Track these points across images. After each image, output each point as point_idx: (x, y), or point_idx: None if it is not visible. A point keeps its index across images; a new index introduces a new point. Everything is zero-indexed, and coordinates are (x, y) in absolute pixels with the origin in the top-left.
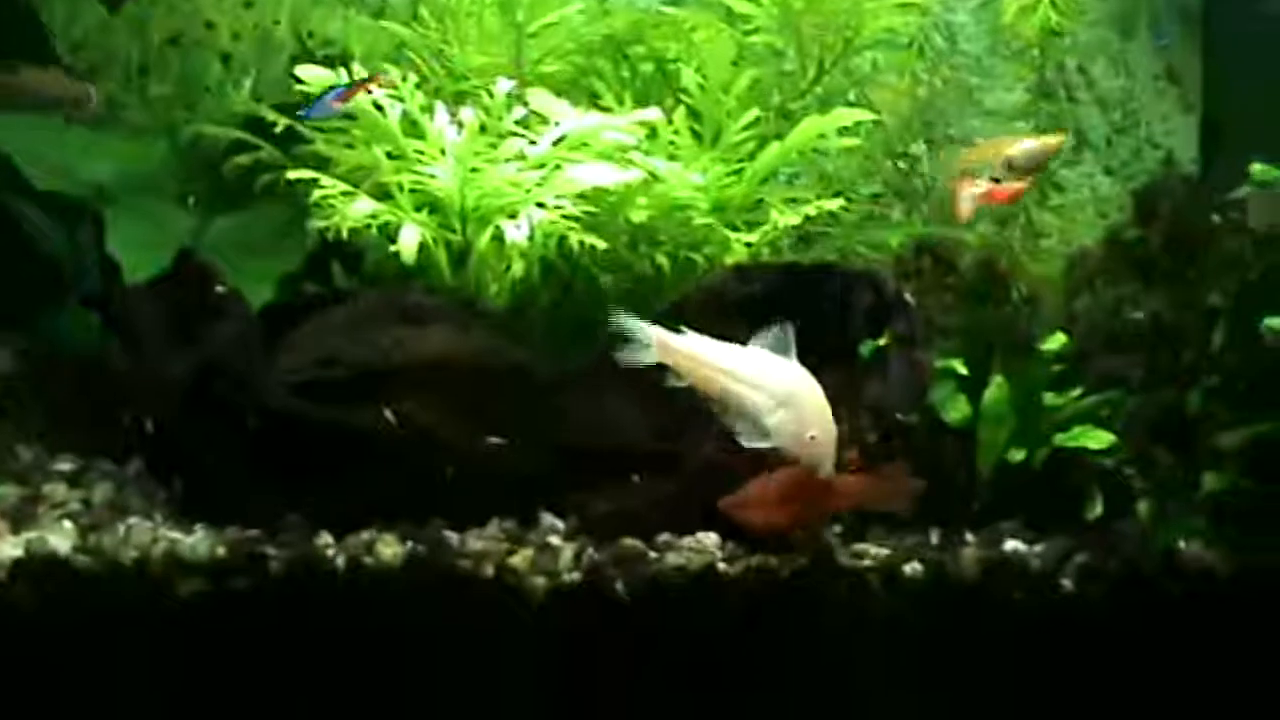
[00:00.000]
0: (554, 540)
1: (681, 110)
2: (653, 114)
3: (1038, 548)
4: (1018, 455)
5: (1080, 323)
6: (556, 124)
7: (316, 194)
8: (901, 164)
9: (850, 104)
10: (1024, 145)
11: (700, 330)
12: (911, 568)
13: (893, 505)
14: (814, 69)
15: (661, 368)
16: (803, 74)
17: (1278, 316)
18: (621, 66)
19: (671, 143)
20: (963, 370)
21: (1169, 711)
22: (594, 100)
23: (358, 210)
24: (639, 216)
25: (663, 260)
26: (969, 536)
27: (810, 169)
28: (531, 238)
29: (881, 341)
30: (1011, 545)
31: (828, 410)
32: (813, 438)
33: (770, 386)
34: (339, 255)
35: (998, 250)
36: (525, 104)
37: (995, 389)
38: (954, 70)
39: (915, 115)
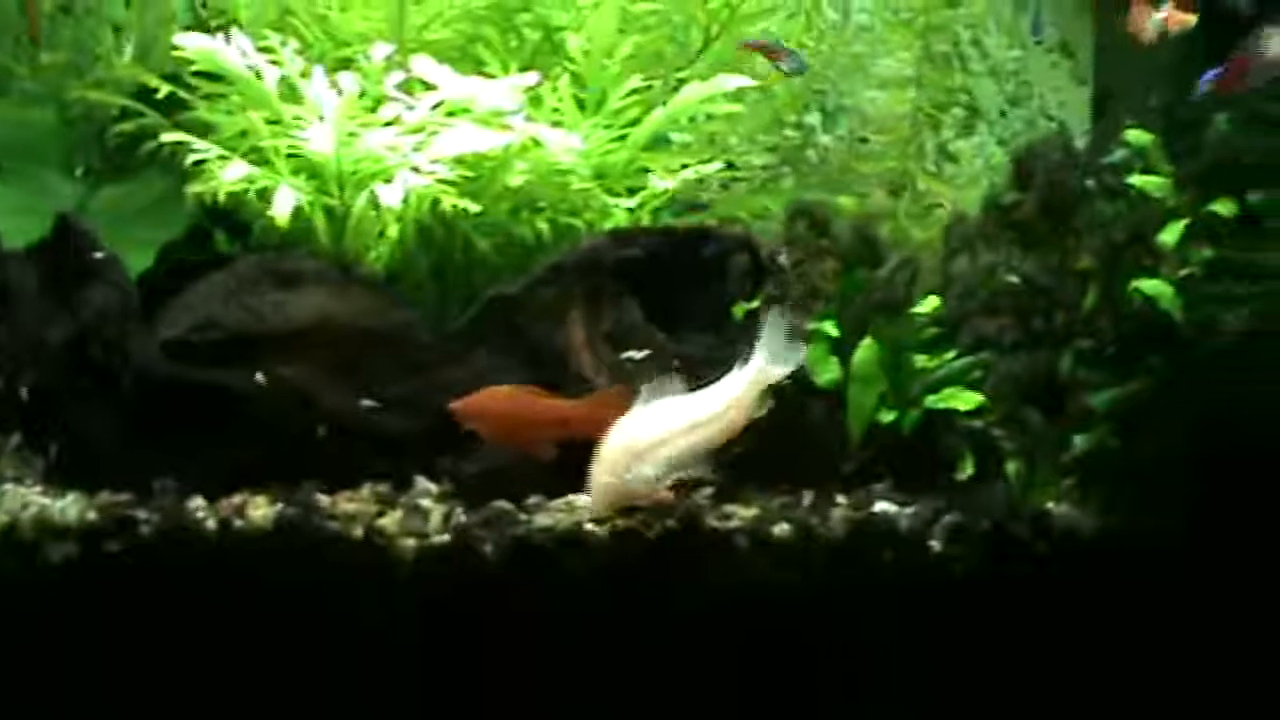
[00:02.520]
0: (424, 502)
1: (566, 77)
2: (531, 79)
3: (908, 509)
4: (888, 417)
5: (956, 286)
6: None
7: (191, 159)
8: (792, 132)
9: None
10: None
11: (572, 293)
12: (780, 528)
13: None
14: (702, 37)
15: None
16: (691, 42)
17: (1146, 279)
18: (509, 34)
19: (556, 109)
20: (833, 332)
21: (1037, 670)
22: (480, 68)
23: (231, 174)
24: (516, 181)
25: (543, 226)
26: (840, 498)
27: (702, 137)
28: (406, 201)
29: (753, 304)
30: (881, 506)
31: (608, 456)
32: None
33: None
34: (225, 223)
35: (881, 216)
36: (408, 70)
37: (864, 351)
38: (844, 39)
39: (806, 83)
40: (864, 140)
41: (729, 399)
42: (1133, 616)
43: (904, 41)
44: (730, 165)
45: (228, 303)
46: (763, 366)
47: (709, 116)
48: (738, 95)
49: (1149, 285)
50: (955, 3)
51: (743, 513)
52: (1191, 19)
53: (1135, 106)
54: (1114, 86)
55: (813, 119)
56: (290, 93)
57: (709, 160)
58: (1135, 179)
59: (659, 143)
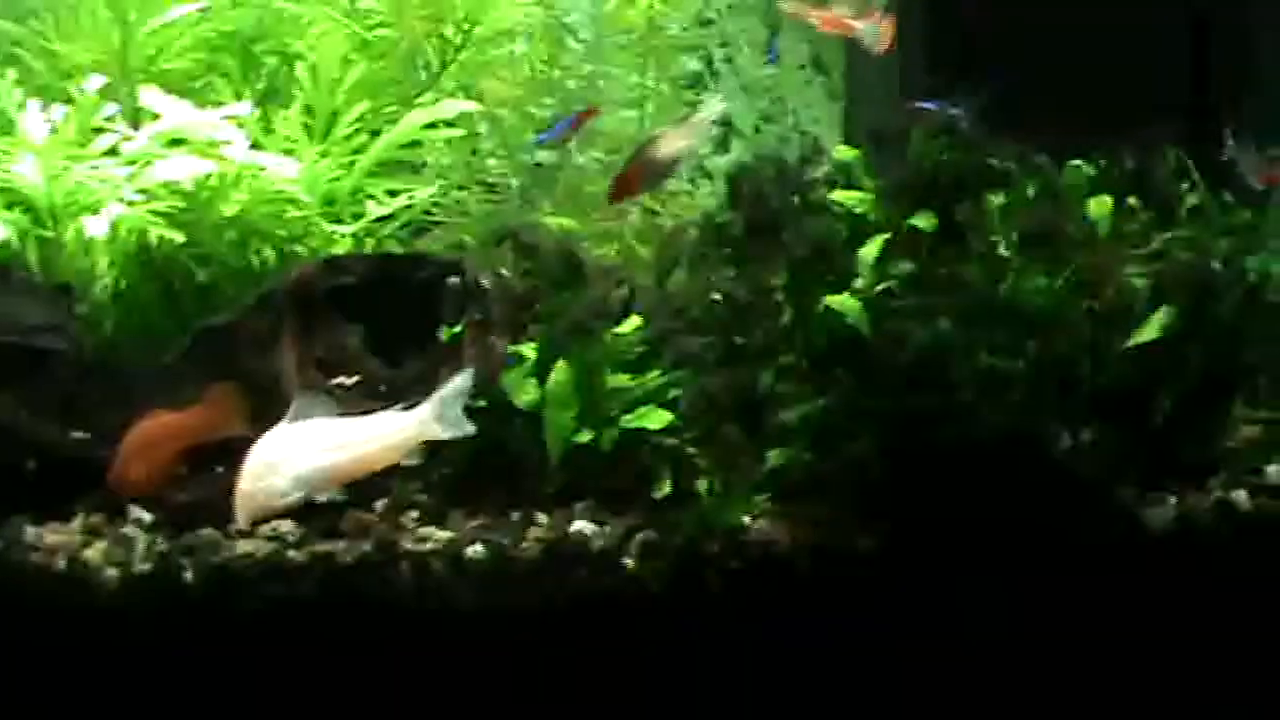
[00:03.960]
0: (131, 531)
1: (297, 105)
2: (243, 109)
3: (605, 528)
4: (585, 437)
5: (665, 304)
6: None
7: None
8: (547, 155)
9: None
10: None
11: (283, 321)
12: (474, 550)
13: (233, 428)
14: (437, 62)
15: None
16: (427, 68)
17: (837, 294)
18: (248, 62)
19: (288, 137)
20: (530, 354)
21: (730, 683)
22: (217, 96)
23: None
24: (230, 210)
25: (268, 254)
26: (540, 518)
27: (442, 160)
28: (116, 232)
29: (459, 329)
30: (579, 526)
31: (246, 468)
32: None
33: None
34: None
35: (608, 236)
36: (134, 101)
37: (559, 373)
38: (579, 60)
39: (562, 106)
40: (603, 162)
41: (376, 434)
42: (828, 628)
43: (651, 62)
44: (492, 188)
45: None
46: (426, 420)
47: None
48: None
49: (837, 300)
50: (707, 21)
51: (439, 535)
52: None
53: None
54: (864, 100)
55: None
56: (8, 125)
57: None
58: (836, 195)
59: (403, 168)
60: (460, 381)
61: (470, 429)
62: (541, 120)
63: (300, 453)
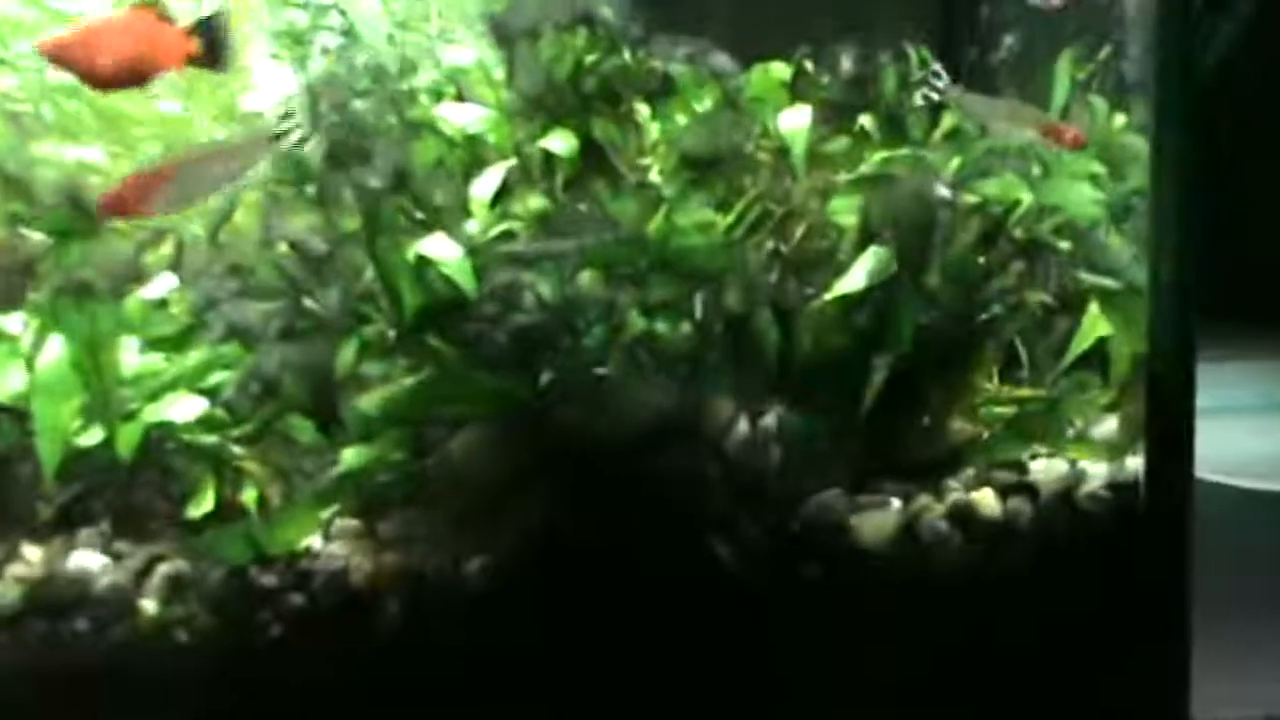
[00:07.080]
0: None
1: None
2: None
3: (121, 560)
4: (94, 437)
5: (220, 261)
6: None
7: None
8: None
9: None
10: None
11: None
12: None
13: None
14: None
15: None
16: None
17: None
18: None
19: None
20: (13, 329)
21: None
22: None
23: None
24: None
25: None
26: (31, 550)
27: None
28: None
29: None
30: (80, 560)
31: None
32: None
33: None
34: None
35: None
36: None
37: (55, 350)
38: None
39: None
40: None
41: None
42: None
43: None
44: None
45: None
46: None
47: None
48: None
49: (432, 249)
50: None
51: None
52: None
53: None
54: None
55: None
56: None
57: None
58: (440, 110)
59: None
60: None
61: None
62: None
63: None
